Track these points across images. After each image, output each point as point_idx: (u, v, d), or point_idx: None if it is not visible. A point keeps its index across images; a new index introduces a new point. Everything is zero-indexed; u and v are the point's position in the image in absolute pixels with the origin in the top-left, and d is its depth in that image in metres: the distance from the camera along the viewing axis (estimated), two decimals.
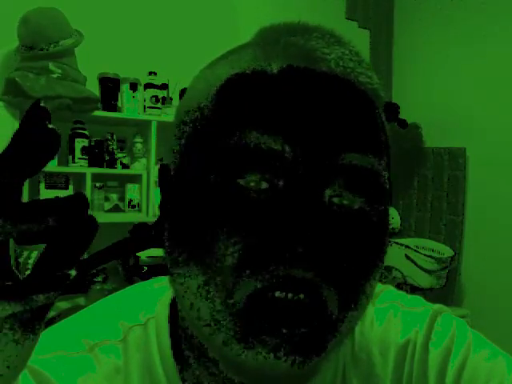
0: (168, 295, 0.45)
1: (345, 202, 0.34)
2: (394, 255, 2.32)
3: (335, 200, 0.33)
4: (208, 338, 0.35)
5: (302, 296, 0.32)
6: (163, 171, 0.39)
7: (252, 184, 0.33)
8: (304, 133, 0.32)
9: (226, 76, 0.35)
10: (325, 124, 0.33)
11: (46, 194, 1.85)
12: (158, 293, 0.46)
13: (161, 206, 0.39)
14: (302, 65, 0.34)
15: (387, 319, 0.46)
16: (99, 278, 1.82)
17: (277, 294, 0.32)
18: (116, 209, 2.05)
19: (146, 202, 2.03)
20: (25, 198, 1.78)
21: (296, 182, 0.32)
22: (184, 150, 0.37)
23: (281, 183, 0.33)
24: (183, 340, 0.41)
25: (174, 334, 0.43)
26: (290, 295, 0.32)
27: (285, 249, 0.31)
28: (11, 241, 0.24)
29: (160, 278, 0.48)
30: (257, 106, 0.33)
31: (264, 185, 0.33)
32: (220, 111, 0.34)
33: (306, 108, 0.33)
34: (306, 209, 0.31)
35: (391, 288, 0.50)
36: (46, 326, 0.41)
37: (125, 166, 2.06)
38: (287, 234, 0.31)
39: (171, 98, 2.11)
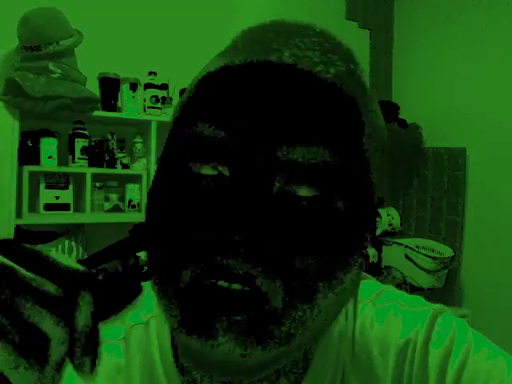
0: None
1: (292, 191, 0.33)
2: (394, 255, 2.33)
3: (282, 189, 0.33)
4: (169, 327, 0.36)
5: (236, 286, 0.31)
6: None
7: (202, 171, 0.34)
8: (244, 126, 0.33)
9: (206, 73, 0.36)
10: (265, 116, 0.32)
11: (45, 193, 1.85)
12: None
13: None
14: (258, 58, 0.34)
15: (387, 319, 0.46)
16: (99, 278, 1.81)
17: (208, 282, 0.32)
18: (116, 209, 2.05)
19: (145, 201, 2.02)
20: (25, 198, 1.76)
21: (240, 172, 0.32)
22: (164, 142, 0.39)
23: (226, 172, 0.33)
24: None
25: None
26: (225, 284, 0.31)
27: (221, 237, 0.31)
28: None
29: None
30: (209, 99, 0.34)
31: (213, 172, 0.33)
32: (187, 104, 0.36)
33: (248, 100, 0.33)
34: (247, 197, 0.31)
35: (391, 288, 0.50)
36: None
37: (125, 166, 2.05)
38: (225, 221, 0.31)
39: (171, 98, 2.11)
